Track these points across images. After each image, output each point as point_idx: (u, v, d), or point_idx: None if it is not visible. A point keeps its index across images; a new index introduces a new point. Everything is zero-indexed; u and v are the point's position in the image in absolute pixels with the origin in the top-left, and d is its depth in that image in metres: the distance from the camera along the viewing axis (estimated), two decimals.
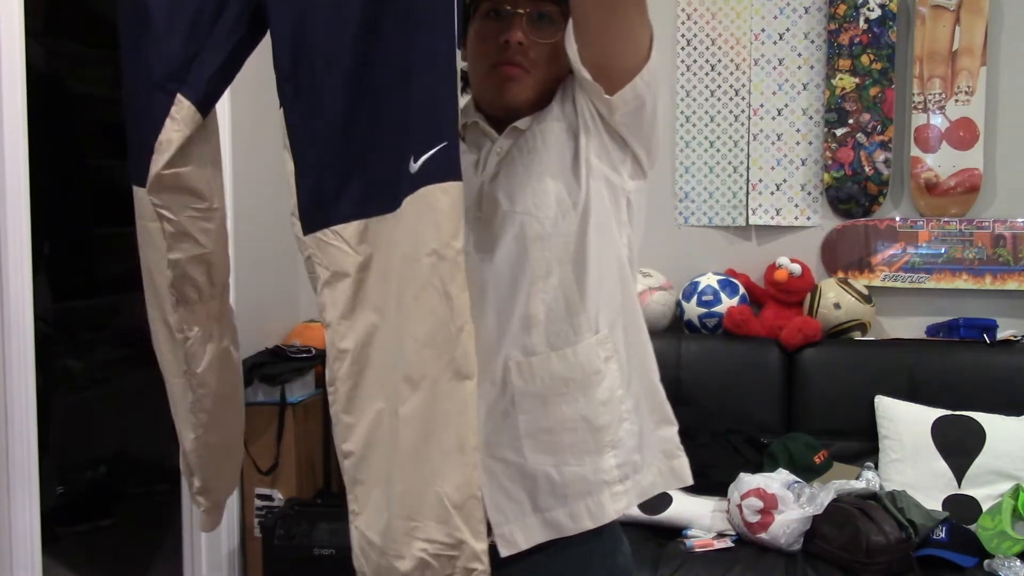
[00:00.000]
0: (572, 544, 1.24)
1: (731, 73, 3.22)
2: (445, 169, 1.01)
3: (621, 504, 1.29)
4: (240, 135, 2.95)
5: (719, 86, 3.23)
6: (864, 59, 3.08)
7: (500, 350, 1.25)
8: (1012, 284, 3.04)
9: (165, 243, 1.20)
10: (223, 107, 2.87)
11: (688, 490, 2.67)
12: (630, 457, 1.29)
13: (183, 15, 1.13)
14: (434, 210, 1.00)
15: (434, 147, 1.01)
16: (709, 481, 2.65)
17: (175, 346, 1.26)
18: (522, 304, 1.24)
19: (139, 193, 1.23)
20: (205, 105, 1.16)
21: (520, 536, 1.26)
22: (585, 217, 1.24)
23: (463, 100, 1.33)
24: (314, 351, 2.99)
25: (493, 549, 1.25)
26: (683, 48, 3.25)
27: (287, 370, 2.89)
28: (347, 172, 1.07)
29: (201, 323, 1.27)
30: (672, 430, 1.37)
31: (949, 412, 2.71)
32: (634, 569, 1.36)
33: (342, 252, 1.07)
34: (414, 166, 1.02)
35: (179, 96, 1.14)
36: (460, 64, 1.30)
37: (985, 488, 2.59)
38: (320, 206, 1.09)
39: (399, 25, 1.04)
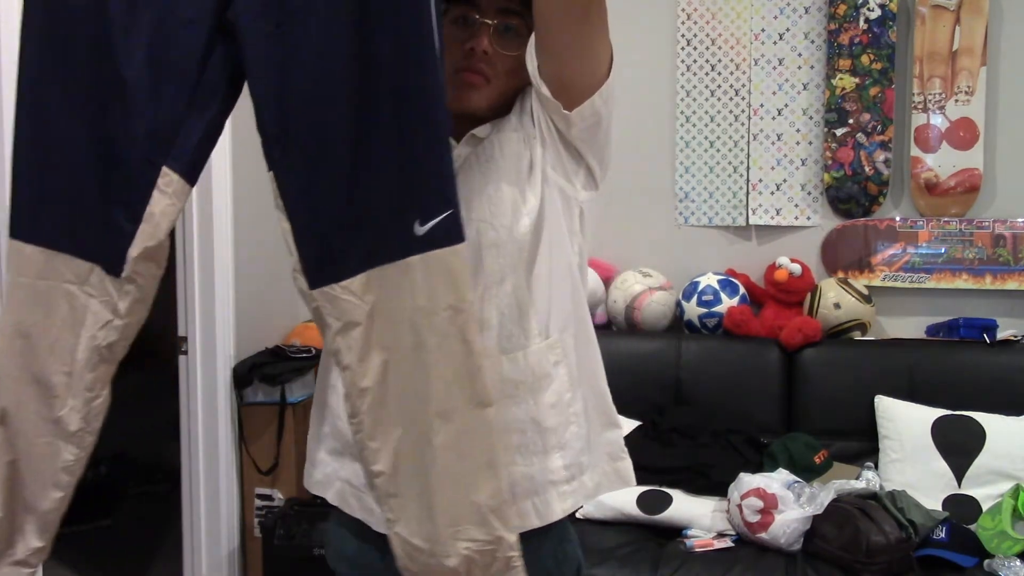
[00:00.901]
0: (521, 539, 1.28)
1: (731, 73, 3.22)
2: (453, 233, 1.07)
3: (568, 503, 1.32)
4: (240, 133, 2.95)
5: (719, 86, 3.23)
6: (864, 59, 3.08)
7: None
8: (1012, 284, 3.04)
9: (108, 311, 1.20)
10: None
11: (688, 490, 2.67)
12: (577, 459, 1.32)
13: (165, 86, 1.12)
14: (448, 271, 1.07)
15: (441, 214, 1.06)
16: (709, 481, 2.66)
17: (58, 408, 1.25)
18: (476, 309, 1.26)
19: (28, 251, 1.20)
20: (193, 175, 1.16)
21: None
22: (539, 225, 1.27)
23: None
24: (314, 351, 2.99)
25: None
26: (683, 48, 3.25)
27: (287, 370, 2.89)
28: (350, 235, 1.10)
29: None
30: (617, 433, 1.40)
31: (949, 412, 2.71)
32: (582, 558, 1.40)
33: (351, 304, 1.10)
34: (420, 229, 1.06)
35: (165, 169, 1.13)
36: None
37: (985, 488, 2.59)
38: (324, 266, 1.11)
39: (391, 92, 1.06)
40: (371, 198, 1.08)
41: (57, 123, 1.18)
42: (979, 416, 2.69)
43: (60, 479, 1.34)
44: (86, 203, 1.17)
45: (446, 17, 1.26)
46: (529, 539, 1.27)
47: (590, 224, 1.36)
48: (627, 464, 1.41)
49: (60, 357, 1.22)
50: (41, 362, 1.23)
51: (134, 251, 1.15)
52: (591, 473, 1.35)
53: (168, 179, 1.14)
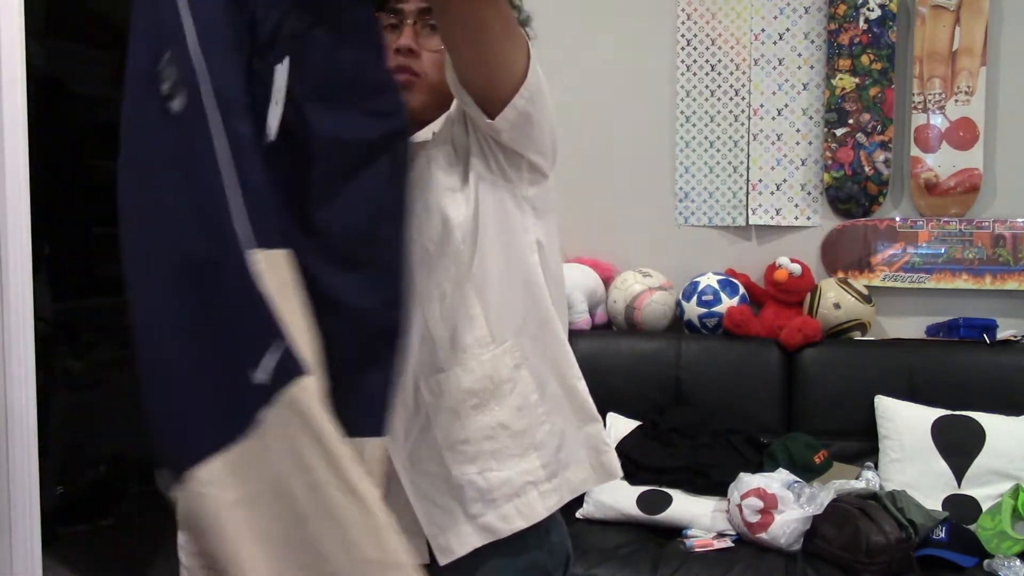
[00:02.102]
0: (510, 538, 1.29)
1: (731, 73, 3.22)
2: (297, 366, 0.94)
3: (551, 501, 1.32)
4: None
5: (719, 86, 3.23)
6: (864, 59, 3.08)
7: (407, 371, 1.28)
8: (1012, 284, 3.04)
9: None
10: None
11: (688, 490, 2.67)
12: (555, 456, 1.32)
13: None
14: (301, 413, 0.94)
15: (276, 350, 0.93)
16: (709, 481, 2.65)
17: None
18: (420, 326, 1.27)
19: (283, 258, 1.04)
20: None
21: (456, 544, 1.30)
22: (474, 233, 1.26)
23: None
24: None
25: (433, 560, 1.30)
26: (683, 48, 3.24)
27: None
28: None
29: None
30: (597, 426, 1.39)
31: (949, 412, 2.71)
32: (570, 548, 1.40)
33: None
34: (260, 376, 0.94)
35: None
36: None
37: (985, 488, 2.59)
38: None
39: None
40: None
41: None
42: (979, 416, 2.69)
43: None
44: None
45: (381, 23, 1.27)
46: (518, 537, 1.29)
47: (551, 211, 1.34)
48: (611, 456, 1.40)
49: None
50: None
51: None
52: (574, 469, 1.35)
53: None
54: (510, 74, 1.20)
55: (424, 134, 1.30)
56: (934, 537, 2.38)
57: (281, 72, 1.02)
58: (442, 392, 1.28)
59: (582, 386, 1.37)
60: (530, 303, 1.31)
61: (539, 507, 1.31)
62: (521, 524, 1.29)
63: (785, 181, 3.20)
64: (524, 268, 1.31)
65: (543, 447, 1.31)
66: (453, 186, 1.28)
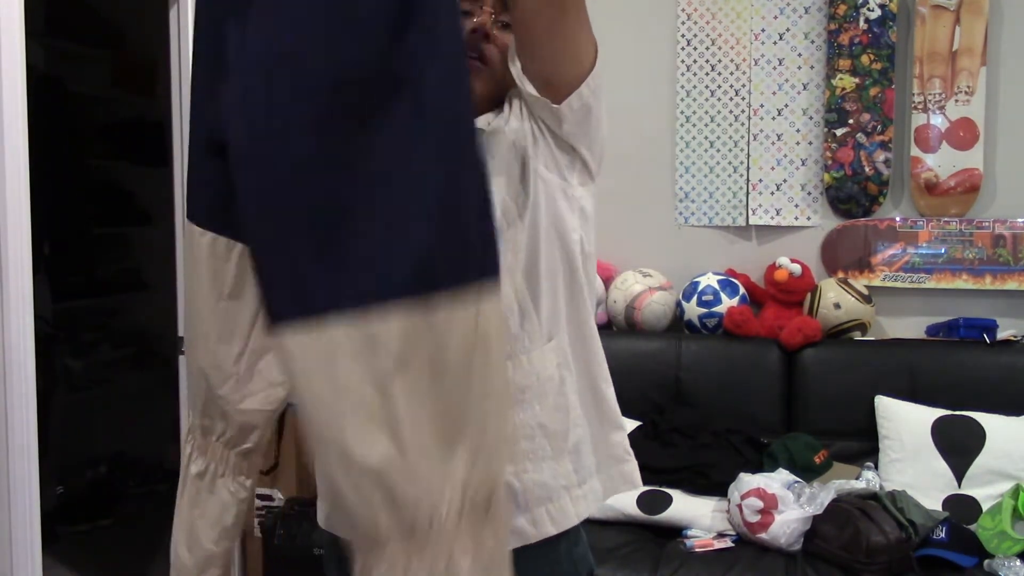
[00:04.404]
0: (537, 546, 1.26)
1: (731, 73, 3.22)
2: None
3: (581, 507, 1.30)
4: None
5: (719, 86, 3.23)
6: (864, 59, 3.08)
7: None
8: (1012, 284, 3.04)
9: None
10: None
11: (688, 490, 2.67)
12: (585, 461, 1.31)
13: None
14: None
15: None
16: (709, 481, 2.65)
17: None
18: None
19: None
20: None
21: None
22: (534, 227, 1.26)
23: None
24: None
25: None
26: (683, 48, 3.24)
27: None
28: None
29: None
30: (622, 435, 1.39)
31: (949, 412, 2.71)
32: (593, 560, 1.38)
33: None
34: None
35: None
36: None
37: (985, 488, 2.59)
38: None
39: None
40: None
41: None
42: (979, 416, 2.69)
43: None
44: None
45: None
46: (545, 545, 1.26)
47: (592, 220, 1.34)
48: (632, 466, 1.40)
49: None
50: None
51: None
52: (599, 476, 1.34)
53: None
54: (580, 61, 1.21)
55: (482, 121, 1.29)
56: (934, 537, 2.38)
57: None
58: None
59: (611, 393, 1.36)
60: (573, 302, 1.30)
61: (571, 513, 1.28)
62: (552, 530, 1.27)
63: (785, 181, 3.20)
64: (570, 267, 1.30)
65: (576, 451, 1.29)
66: (513, 177, 1.27)
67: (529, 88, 1.22)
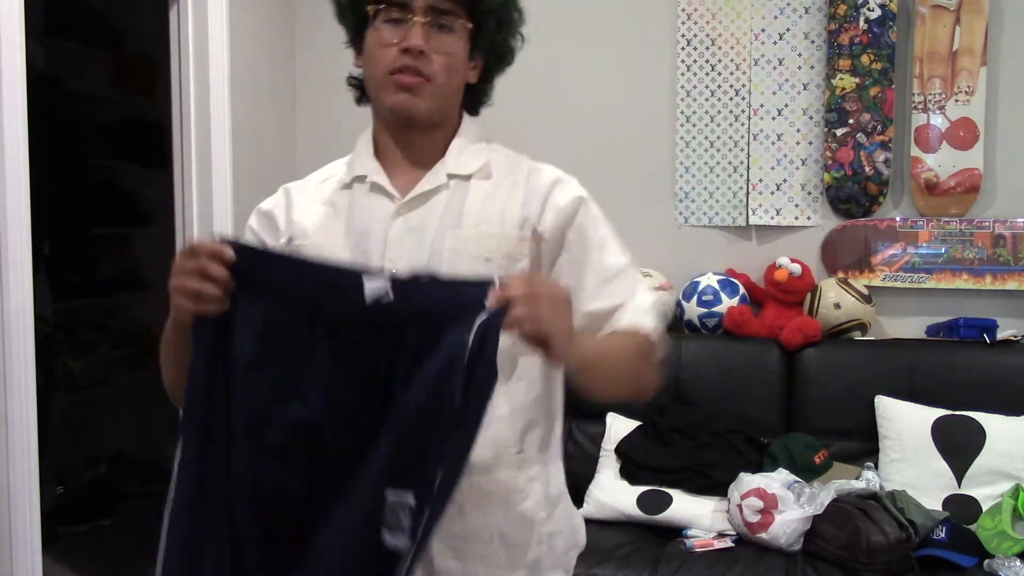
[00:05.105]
0: None
1: (731, 73, 3.22)
2: None
3: None
4: (240, 136, 2.95)
5: (719, 86, 3.23)
6: (864, 59, 3.08)
7: None
8: (1012, 284, 3.03)
9: None
10: (222, 101, 2.87)
11: (688, 490, 2.67)
12: None
13: None
14: None
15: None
16: (709, 481, 2.65)
17: None
18: None
19: None
20: None
21: None
22: (521, 373, 1.25)
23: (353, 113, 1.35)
24: None
25: None
26: (683, 48, 3.24)
27: None
28: None
29: None
30: (576, 552, 1.37)
31: (949, 412, 2.71)
32: None
33: None
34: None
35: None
36: (356, 71, 1.31)
37: (985, 488, 2.59)
38: None
39: None
40: None
41: None
42: (979, 416, 2.69)
43: None
44: None
45: (378, 18, 1.23)
46: None
47: None
48: None
49: None
50: None
51: None
52: None
53: None
54: (652, 389, 1.25)
55: (458, 163, 1.28)
56: (934, 537, 2.38)
57: None
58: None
59: (574, 510, 1.37)
60: (547, 416, 1.29)
61: None
62: None
63: (785, 181, 3.20)
64: (548, 379, 1.28)
65: (534, 567, 1.27)
66: (489, 257, 1.23)
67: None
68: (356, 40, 1.29)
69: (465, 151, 1.29)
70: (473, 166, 1.28)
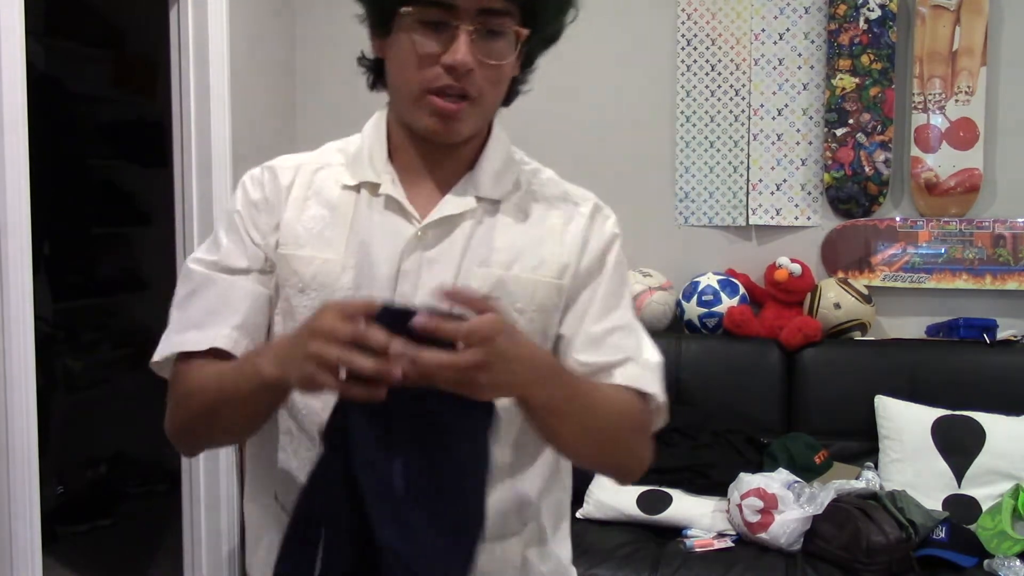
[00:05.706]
0: None
1: (731, 73, 3.22)
2: None
3: None
4: (239, 132, 2.95)
5: (719, 86, 3.23)
6: (864, 59, 3.08)
7: None
8: (1012, 284, 3.04)
9: None
10: (222, 101, 2.87)
11: (688, 490, 2.67)
12: None
13: None
14: None
15: None
16: (709, 481, 2.66)
17: None
18: None
19: None
20: None
21: None
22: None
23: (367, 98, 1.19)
24: None
25: None
26: (683, 48, 3.24)
27: None
28: None
29: None
30: None
31: (949, 412, 2.71)
32: None
33: None
34: None
35: None
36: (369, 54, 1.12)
37: (985, 488, 2.59)
38: None
39: None
40: None
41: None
42: (979, 416, 2.69)
43: None
44: None
45: (412, 18, 1.01)
46: None
47: None
48: None
49: None
50: None
51: None
52: None
53: None
54: (639, 468, 1.11)
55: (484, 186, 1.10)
56: (934, 537, 2.38)
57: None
58: None
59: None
60: (563, 488, 1.20)
61: None
62: None
63: (785, 181, 3.20)
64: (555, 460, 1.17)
65: None
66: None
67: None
68: (378, 26, 1.07)
69: (495, 166, 1.12)
70: (503, 187, 1.12)
